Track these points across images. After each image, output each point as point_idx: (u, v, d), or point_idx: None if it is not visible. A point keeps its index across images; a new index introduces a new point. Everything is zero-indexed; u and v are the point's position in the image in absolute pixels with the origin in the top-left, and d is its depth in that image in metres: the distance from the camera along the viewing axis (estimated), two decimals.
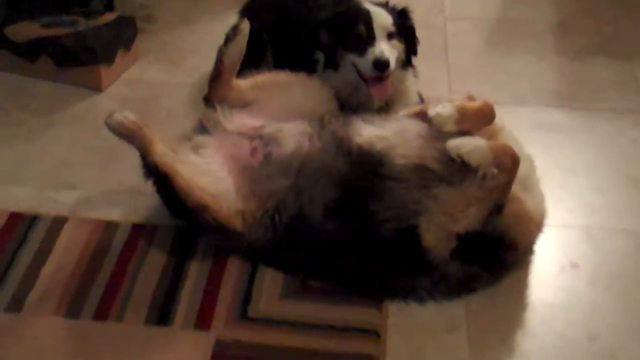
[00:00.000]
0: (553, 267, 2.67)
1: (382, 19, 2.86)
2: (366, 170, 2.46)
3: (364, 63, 2.80)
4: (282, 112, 2.73)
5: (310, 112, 2.73)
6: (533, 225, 2.53)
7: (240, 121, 2.72)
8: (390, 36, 2.85)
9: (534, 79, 3.67)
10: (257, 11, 3.32)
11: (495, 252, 2.45)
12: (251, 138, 2.65)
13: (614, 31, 4.08)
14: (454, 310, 2.47)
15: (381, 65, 2.76)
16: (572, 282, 2.62)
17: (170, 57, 3.69)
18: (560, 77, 3.70)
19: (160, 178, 2.53)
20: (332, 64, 2.94)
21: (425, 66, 3.16)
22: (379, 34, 2.83)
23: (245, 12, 3.36)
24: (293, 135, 2.61)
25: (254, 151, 2.62)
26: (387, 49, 2.80)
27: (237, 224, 2.51)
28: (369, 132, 2.55)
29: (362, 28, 2.83)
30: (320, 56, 3.00)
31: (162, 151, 2.55)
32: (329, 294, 2.49)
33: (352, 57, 2.86)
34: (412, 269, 2.45)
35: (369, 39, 2.82)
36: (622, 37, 4.02)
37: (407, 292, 2.47)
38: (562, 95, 3.57)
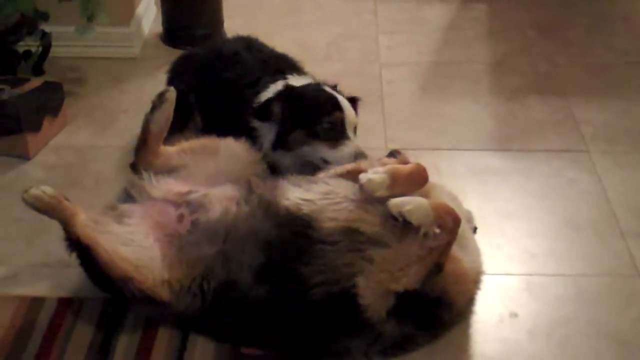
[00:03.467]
0: (492, 317, 2.65)
1: (351, 114, 2.84)
2: (295, 234, 2.41)
3: (338, 157, 2.76)
4: (209, 177, 2.69)
5: (237, 176, 2.69)
6: (470, 284, 2.51)
7: (166, 187, 2.67)
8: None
9: (470, 123, 3.66)
10: (184, 73, 3.28)
11: (433, 312, 2.42)
12: (177, 204, 2.60)
13: (550, 68, 4.10)
14: None
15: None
16: (512, 333, 2.59)
17: (100, 120, 3.62)
18: (496, 119, 3.70)
19: (82, 250, 2.47)
20: (286, 145, 2.86)
21: (361, 116, 3.10)
22: (349, 128, 2.81)
23: (173, 74, 3.33)
24: (220, 201, 2.56)
25: (180, 218, 2.56)
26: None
27: (164, 293, 2.44)
28: (295, 195, 2.50)
29: (337, 119, 2.79)
30: (261, 127, 2.90)
31: (84, 223, 2.48)
32: None
33: (318, 147, 2.81)
34: (347, 330, 2.40)
35: (342, 131, 2.79)
36: (557, 74, 4.04)
37: (341, 354, 2.42)
38: (498, 138, 3.56)
